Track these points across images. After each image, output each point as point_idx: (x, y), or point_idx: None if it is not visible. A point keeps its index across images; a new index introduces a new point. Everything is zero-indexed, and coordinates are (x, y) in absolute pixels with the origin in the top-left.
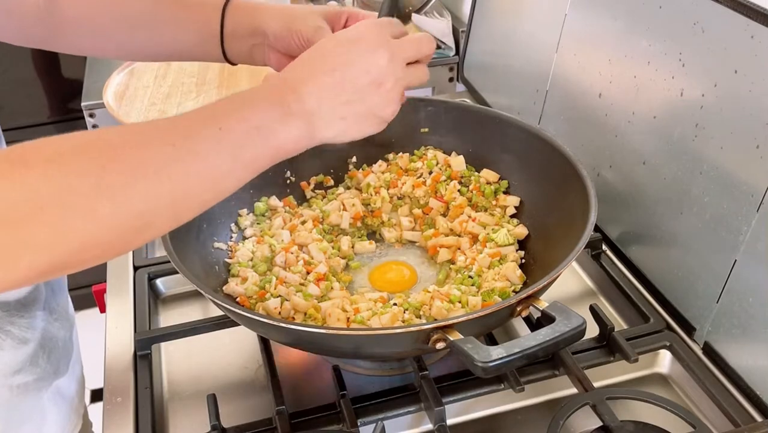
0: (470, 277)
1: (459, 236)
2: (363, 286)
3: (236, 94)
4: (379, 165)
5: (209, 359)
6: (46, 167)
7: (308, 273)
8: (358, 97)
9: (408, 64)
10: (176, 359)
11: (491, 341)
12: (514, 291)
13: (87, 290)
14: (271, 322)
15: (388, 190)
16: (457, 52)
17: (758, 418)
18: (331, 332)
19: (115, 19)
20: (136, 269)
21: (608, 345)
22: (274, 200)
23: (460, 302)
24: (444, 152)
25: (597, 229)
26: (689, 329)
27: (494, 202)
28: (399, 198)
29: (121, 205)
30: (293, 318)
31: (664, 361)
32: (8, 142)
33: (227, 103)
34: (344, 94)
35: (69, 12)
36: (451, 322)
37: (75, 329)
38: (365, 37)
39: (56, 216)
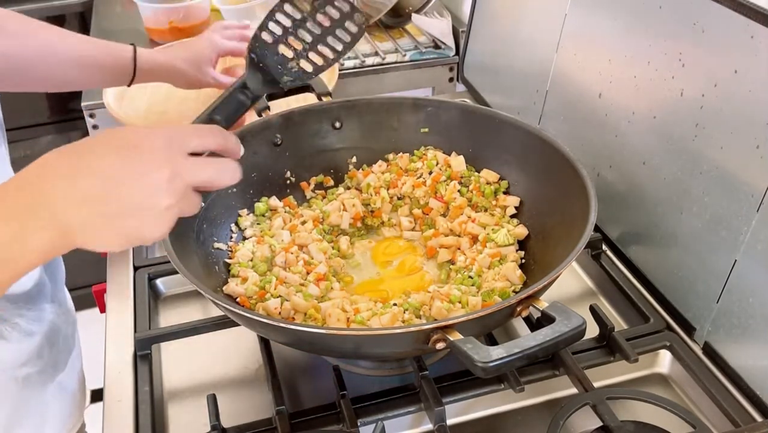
0: (470, 277)
1: (459, 236)
2: (365, 262)
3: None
4: (379, 165)
5: (209, 359)
6: None
7: (308, 273)
8: (124, 213)
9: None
10: (176, 359)
11: (491, 341)
12: (514, 291)
13: (87, 290)
14: (271, 322)
15: (388, 190)
16: (457, 52)
17: (758, 418)
18: (331, 332)
19: (46, 60)
20: (136, 269)
21: (608, 345)
22: (274, 200)
23: (460, 302)
24: (444, 152)
25: (597, 229)
26: (689, 329)
27: (494, 203)
28: (399, 198)
29: None
30: (293, 318)
31: (664, 361)
32: (10, 143)
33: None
34: (108, 208)
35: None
36: (451, 322)
37: (77, 326)
38: (150, 149)
39: None
